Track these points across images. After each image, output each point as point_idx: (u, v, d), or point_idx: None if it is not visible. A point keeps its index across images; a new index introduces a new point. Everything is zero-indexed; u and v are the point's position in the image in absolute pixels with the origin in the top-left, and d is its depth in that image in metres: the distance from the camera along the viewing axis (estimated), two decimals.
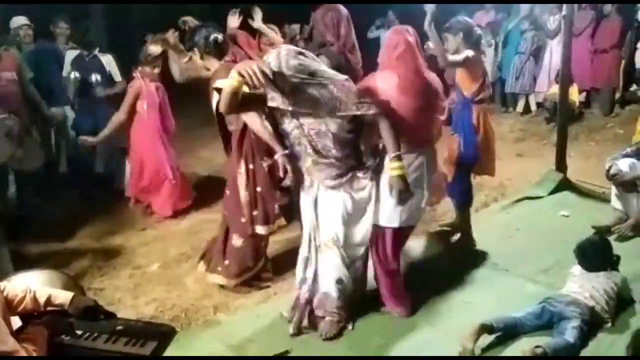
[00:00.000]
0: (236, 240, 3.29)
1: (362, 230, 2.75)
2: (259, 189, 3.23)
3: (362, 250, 2.82)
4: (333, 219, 2.69)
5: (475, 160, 3.59)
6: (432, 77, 2.86)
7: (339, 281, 2.76)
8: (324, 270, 2.78)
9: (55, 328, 1.78)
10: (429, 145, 2.90)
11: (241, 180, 3.21)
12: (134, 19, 4.37)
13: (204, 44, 3.13)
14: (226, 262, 3.31)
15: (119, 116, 4.56)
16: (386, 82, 2.72)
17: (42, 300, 1.88)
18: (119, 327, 1.91)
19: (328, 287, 2.78)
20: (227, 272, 3.31)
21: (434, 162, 2.97)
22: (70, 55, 4.99)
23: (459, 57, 3.42)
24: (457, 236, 3.83)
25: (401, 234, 2.87)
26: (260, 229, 3.26)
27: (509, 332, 2.64)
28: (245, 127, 3.12)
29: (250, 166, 3.20)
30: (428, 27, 3.17)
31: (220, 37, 3.13)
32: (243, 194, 3.22)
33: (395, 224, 2.77)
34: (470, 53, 3.41)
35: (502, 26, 8.01)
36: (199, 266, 3.48)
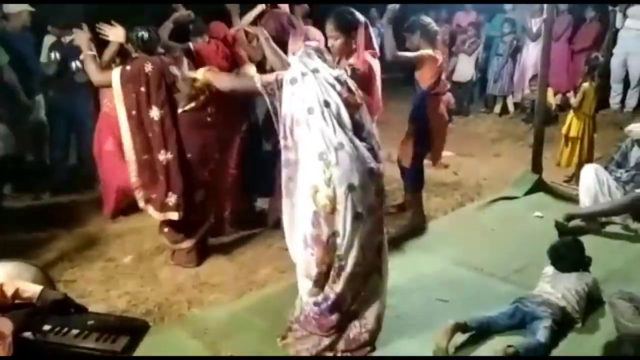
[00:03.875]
0: None
1: None
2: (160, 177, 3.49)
3: None
4: None
5: (426, 147, 3.99)
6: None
7: None
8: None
9: (22, 322, 1.73)
10: None
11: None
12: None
13: (135, 41, 3.56)
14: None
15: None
16: None
17: (9, 293, 1.83)
18: (90, 322, 1.86)
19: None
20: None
21: None
22: (48, 40, 4.84)
23: (410, 55, 3.84)
24: (409, 214, 4.15)
25: None
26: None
27: (482, 331, 2.67)
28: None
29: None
30: (385, 24, 3.68)
31: (146, 34, 3.52)
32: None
33: None
34: (425, 52, 3.81)
35: (484, 27, 8.11)
36: None
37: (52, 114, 4.93)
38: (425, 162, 4.18)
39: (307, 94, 2.40)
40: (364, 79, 3.07)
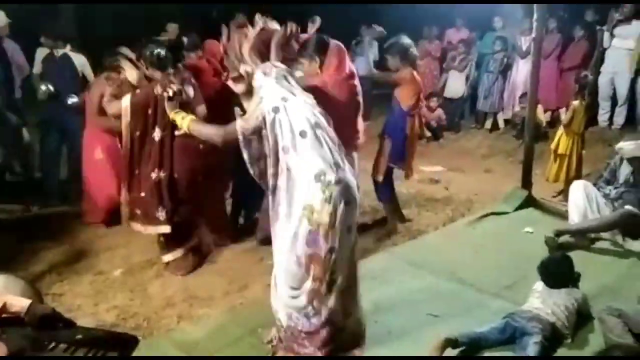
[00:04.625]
0: None
1: None
2: (142, 194, 3.58)
3: None
4: None
5: (401, 162, 4.24)
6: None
7: None
8: None
9: (16, 344, 1.69)
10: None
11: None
12: (106, 13, 4.25)
13: (148, 58, 3.55)
14: None
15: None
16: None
17: None
18: (79, 337, 1.84)
19: None
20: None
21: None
22: (40, 54, 4.84)
23: (388, 76, 4.20)
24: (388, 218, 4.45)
25: None
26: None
27: (473, 346, 2.66)
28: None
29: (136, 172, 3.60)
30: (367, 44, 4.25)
31: (162, 52, 3.55)
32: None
33: None
34: (405, 73, 4.06)
35: (475, 44, 8.22)
36: None
37: (44, 127, 4.91)
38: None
39: (295, 118, 2.37)
40: (328, 101, 2.95)
